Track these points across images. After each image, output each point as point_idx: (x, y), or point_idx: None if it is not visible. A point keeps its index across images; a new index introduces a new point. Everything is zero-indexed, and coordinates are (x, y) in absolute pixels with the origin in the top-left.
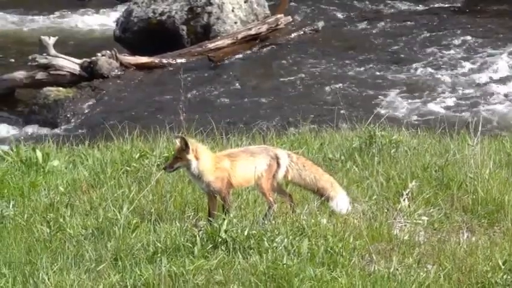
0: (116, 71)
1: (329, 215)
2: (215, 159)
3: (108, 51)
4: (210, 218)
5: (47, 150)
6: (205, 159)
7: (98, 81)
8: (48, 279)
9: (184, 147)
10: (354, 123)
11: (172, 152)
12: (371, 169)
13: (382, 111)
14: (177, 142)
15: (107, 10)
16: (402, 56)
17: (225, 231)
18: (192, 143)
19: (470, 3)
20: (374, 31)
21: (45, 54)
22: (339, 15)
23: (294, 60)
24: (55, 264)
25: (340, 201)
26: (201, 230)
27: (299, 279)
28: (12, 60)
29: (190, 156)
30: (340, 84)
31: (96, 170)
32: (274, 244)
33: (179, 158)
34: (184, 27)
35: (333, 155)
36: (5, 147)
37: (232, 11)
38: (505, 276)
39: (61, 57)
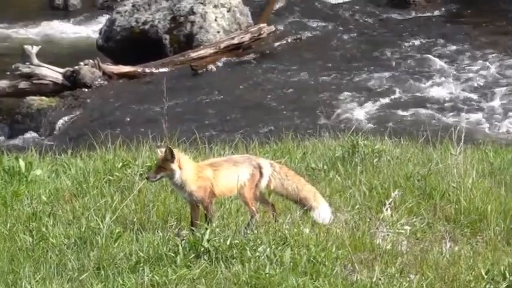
0: (99, 80)
1: (312, 225)
2: (197, 168)
3: (90, 61)
4: (192, 228)
5: (30, 159)
6: (188, 169)
7: (80, 90)
8: None
9: (170, 157)
10: (336, 133)
11: (155, 162)
12: (354, 178)
13: (365, 121)
14: (160, 152)
15: (90, 19)
16: (385, 65)
17: (208, 241)
18: (176, 152)
19: (454, 13)
20: (357, 41)
21: (28, 63)
22: (322, 24)
23: (277, 70)
24: (38, 273)
25: (322, 212)
26: (183, 240)
27: None
28: None
29: (175, 166)
30: (323, 94)
31: (78, 179)
32: (257, 253)
33: (163, 167)
34: (167, 37)
35: (316, 165)
36: None
37: (215, 20)
38: (487, 286)
39: (44, 67)
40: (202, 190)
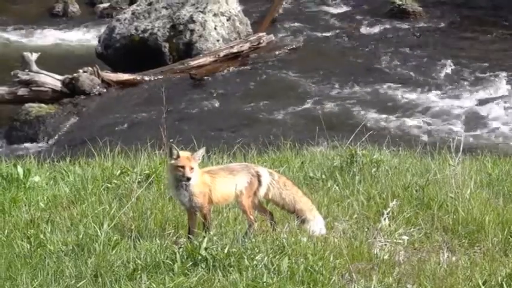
0: (98, 87)
1: (309, 234)
2: (200, 173)
3: (90, 68)
4: (190, 236)
5: (28, 166)
6: (198, 172)
7: (79, 97)
8: None
9: (198, 159)
10: (335, 142)
11: (183, 163)
12: (352, 188)
13: (363, 130)
14: (181, 154)
15: (90, 27)
16: (384, 75)
17: (205, 249)
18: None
19: (454, 24)
20: (356, 50)
21: (27, 70)
22: (321, 34)
23: (276, 78)
24: (35, 280)
25: (317, 225)
26: (181, 248)
27: None
28: None
29: (196, 167)
30: (321, 103)
31: (77, 186)
32: (254, 262)
33: (193, 168)
34: (167, 45)
35: (314, 174)
36: None
37: (215, 29)
38: None
39: (43, 74)
40: (202, 196)
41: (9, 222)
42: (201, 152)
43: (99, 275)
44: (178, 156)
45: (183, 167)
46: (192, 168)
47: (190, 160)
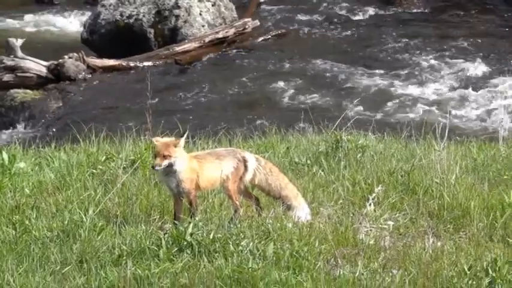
0: (83, 73)
1: (294, 221)
2: (188, 159)
3: (75, 54)
4: (175, 221)
5: (13, 152)
6: (183, 158)
7: (64, 83)
8: (14, 281)
9: (178, 145)
10: (320, 128)
11: (155, 151)
12: (337, 173)
13: (349, 116)
14: (156, 141)
15: (75, 12)
16: (369, 60)
17: (191, 235)
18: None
19: (441, 10)
20: (342, 36)
21: (12, 56)
22: (307, 19)
23: (261, 64)
24: (20, 266)
25: (301, 211)
26: (166, 233)
27: (264, 283)
28: None
29: (179, 154)
30: (307, 88)
31: (62, 172)
32: (240, 248)
33: (168, 155)
34: (152, 30)
35: (299, 159)
36: None
37: (200, 14)
38: (470, 282)
39: (28, 60)
40: (190, 181)
41: None
42: (183, 138)
43: (85, 261)
44: (154, 144)
45: (155, 155)
46: (165, 156)
47: (169, 147)
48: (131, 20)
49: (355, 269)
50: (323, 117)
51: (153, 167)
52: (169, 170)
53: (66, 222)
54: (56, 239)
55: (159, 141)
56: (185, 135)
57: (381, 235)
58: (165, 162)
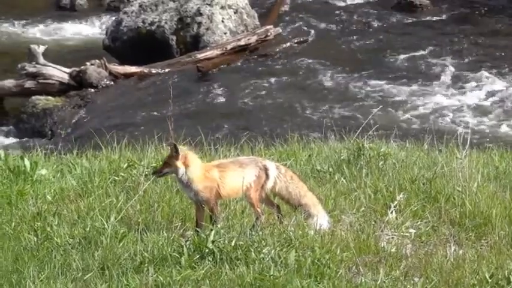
0: (105, 80)
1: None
2: (205, 168)
3: (97, 61)
4: (197, 229)
5: (35, 158)
6: (196, 168)
7: (86, 90)
8: None
9: (174, 154)
10: (342, 135)
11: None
12: (359, 181)
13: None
14: (168, 149)
15: (97, 19)
16: (392, 68)
17: (212, 242)
18: (183, 150)
19: (461, 17)
20: (363, 44)
21: (34, 63)
22: (329, 27)
23: (283, 71)
24: (42, 273)
25: (320, 219)
26: (188, 241)
27: None
28: (1, 68)
29: (179, 163)
30: (329, 96)
31: (84, 179)
32: (261, 255)
33: (168, 163)
34: (174, 37)
35: (321, 167)
36: None
37: (222, 21)
38: None
39: (50, 66)
40: (209, 190)
41: (16, 215)
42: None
43: (106, 267)
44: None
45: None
46: (166, 164)
47: (172, 157)
48: (153, 27)
49: (377, 277)
50: (345, 125)
51: (152, 174)
52: (180, 180)
53: (88, 229)
54: (77, 246)
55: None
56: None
57: (403, 243)
58: (165, 171)
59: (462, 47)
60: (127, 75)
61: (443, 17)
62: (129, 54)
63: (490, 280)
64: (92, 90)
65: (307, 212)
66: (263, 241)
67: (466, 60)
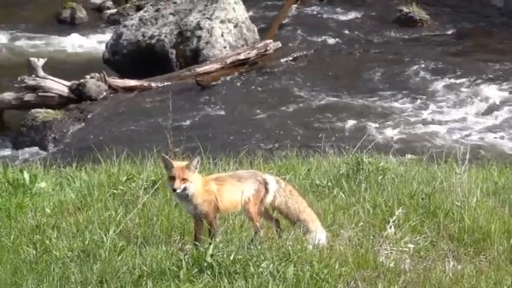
0: (105, 93)
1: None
2: (204, 181)
3: (97, 74)
4: (196, 242)
5: (35, 171)
6: (197, 181)
7: (86, 103)
8: None
9: (194, 168)
10: (341, 150)
11: (173, 173)
12: (358, 196)
13: (370, 138)
14: (176, 164)
15: (97, 33)
16: (391, 84)
17: (211, 256)
18: (182, 163)
19: (462, 33)
20: (363, 58)
21: (33, 75)
22: (328, 41)
23: (282, 86)
24: (41, 286)
25: (318, 236)
26: (187, 254)
27: None
28: (1, 81)
29: (193, 178)
30: (328, 111)
31: (83, 192)
32: (260, 269)
33: (186, 179)
34: (174, 51)
35: (320, 181)
36: None
37: (222, 35)
38: None
39: (50, 79)
40: (207, 204)
41: (15, 228)
42: (196, 161)
43: (105, 281)
44: (172, 167)
45: (173, 177)
46: (183, 179)
47: (184, 171)
48: (153, 41)
49: None
50: (344, 139)
51: (174, 190)
52: (183, 194)
53: (86, 242)
54: (76, 259)
55: (179, 165)
56: (198, 159)
57: (401, 258)
58: (183, 186)
59: (462, 62)
60: (126, 89)
61: (443, 32)
62: (129, 67)
63: None
64: (92, 103)
65: (306, 227)
66: (262, 255)
67: (466, 76)
